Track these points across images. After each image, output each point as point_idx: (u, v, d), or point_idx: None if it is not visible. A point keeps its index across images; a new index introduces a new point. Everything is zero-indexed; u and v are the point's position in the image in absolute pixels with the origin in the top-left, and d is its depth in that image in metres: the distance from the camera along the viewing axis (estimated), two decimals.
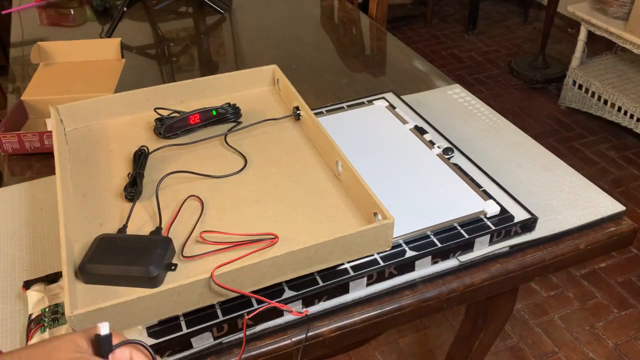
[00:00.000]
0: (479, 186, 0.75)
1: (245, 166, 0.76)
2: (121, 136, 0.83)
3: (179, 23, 1.42)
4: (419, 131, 0.86)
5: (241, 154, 0.79)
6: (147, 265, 0.58)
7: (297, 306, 0.61)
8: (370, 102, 0.95)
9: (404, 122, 0.88)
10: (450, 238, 0.68)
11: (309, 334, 0.61)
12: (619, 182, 2.08)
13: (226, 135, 0.83)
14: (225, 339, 0.59)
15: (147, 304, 0.54)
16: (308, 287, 0.62)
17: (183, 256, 0.62)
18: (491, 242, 0.69)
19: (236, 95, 0.91)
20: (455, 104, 0.99)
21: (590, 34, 2.28)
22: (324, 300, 0.63)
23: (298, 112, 0.83)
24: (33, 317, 0.61)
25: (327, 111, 0.93)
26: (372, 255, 0.66)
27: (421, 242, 0.67)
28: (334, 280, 0.63)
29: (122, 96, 0.86)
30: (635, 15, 2.02)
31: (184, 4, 1.50)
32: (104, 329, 0.40)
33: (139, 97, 0.86)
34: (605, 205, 0.76)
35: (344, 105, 0.95)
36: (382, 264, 0.65)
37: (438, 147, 0.82)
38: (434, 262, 0.67)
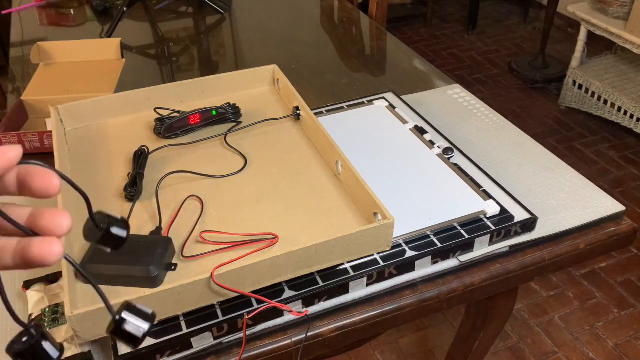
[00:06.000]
0: (479, 186, 0.75)
1: (245, 166, 0.76)
2: (121, 136, 0.83)
3: (179, 23, 1.42)
4: (419, 131, 0.86)
5: (241, 154, 0.79)
6: (147, 266, 0.58)
7: (297, 306, 0.61)
8: (370, 102, 0.95)
9: (404, 122, 0.88)
10: (450, 238, 0.68)
11: (309, 334, 0.61)
12: (619, 182, 2.08)
13: (226, 135, 0.83)
14: (225, 339, 0.59)
15: (147, 304, 0.54)
16: (308, 287, 0.62)
17: (183, 256, 0.62)
18: (491, 242, 0.69)
19: (236, 95, 0.91)
20: (455, 104, 0.99)
21: (590, 34, 2.28)
22: (324, 300, 0.63)
23: (298, 112, 0.83)
24: (33, 317, 0.61)
25: (327, 111, 0.93)
26: (372, 255, 0.65)
27: (421, 242, 0.67)
28: (334, 280, 0.63)
29: (122, 96, 0.86)
30: (635, 15, 2.02)
31: (184, 4, 1.50)
32: None
33: (139, 97, 0.86)
34: (605, 205, 0.76)
35: (344, 105, 0.95)
36: (382, 264, 0.65)
37: (438, 147, 0.82)
38: (434, 262, 0.67)
